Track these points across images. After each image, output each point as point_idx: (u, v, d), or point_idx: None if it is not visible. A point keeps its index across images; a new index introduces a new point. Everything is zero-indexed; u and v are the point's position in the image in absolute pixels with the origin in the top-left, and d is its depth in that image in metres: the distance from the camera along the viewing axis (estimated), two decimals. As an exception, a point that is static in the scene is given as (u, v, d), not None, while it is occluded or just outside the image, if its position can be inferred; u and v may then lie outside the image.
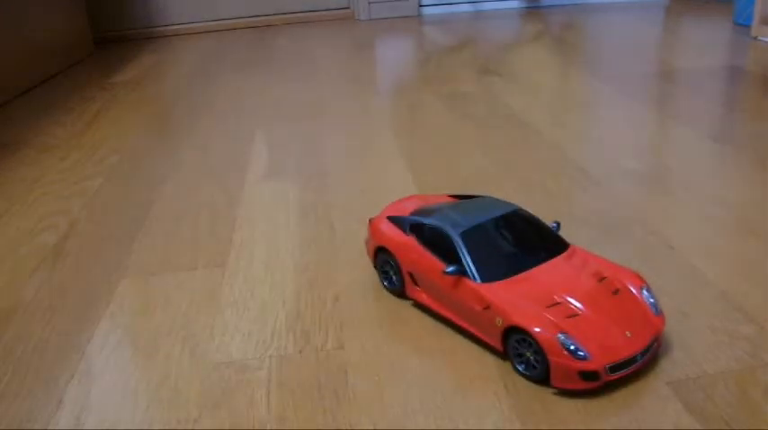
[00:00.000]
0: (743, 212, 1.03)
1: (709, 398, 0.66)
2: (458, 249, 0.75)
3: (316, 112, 1.73)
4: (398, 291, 0.85)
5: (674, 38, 2.35)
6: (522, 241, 0.77)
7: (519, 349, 0.69)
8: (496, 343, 0.72)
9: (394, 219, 0.86)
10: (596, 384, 0.67)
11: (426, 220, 0.80)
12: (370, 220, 0.90)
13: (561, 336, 0.66)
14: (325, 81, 2.07)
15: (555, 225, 0.82)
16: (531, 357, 0.69)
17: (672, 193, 1.11)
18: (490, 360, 0.74)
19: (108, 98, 2.08)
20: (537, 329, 0.67)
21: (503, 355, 0.73)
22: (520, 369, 0.70)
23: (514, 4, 3.32)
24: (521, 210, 0.81)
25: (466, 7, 3.33)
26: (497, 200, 0.84)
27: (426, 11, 3.31)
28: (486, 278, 0.73)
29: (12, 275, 1.01)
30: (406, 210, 0.88)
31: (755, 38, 2.22)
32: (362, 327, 0.81)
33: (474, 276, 0.73)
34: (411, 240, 0.82)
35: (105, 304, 0.91)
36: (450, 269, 0.74)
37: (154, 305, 0.90)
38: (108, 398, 0.73)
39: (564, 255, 0.77)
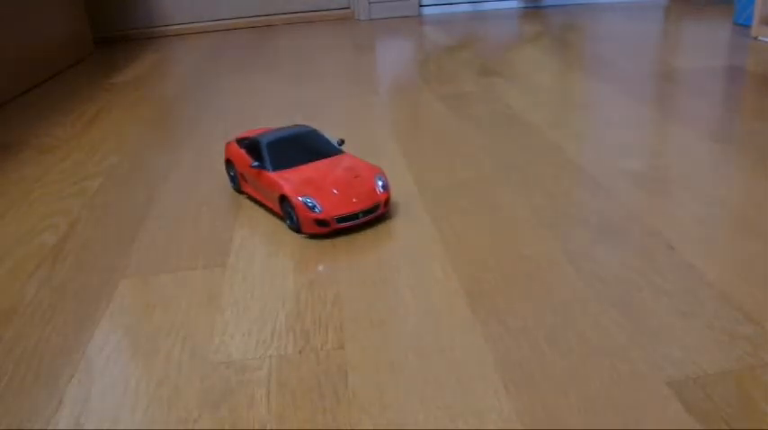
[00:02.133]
0: (743, 212, 1.03)
1: (709, 398, 0.66)
2: (262, 152, 1.13)
3: (316, 112, 1.73)
4: (237, 188, 1.24)
5: (674, 38, 2.35)
6: (306, 149, 1.14)
7: (287, 210, 1.06)
8: (277, 209, 1.09)
9: (238, 141, 1.24)
10: (328, 229, 1.03)
11: (253, 138, 1.16)
12: (226, 143, 1.32)
13: (303, 198, 1.03)
14: (326, 81, 2.07)
15: (339, 141, 1.19)
16: (293, 215, 1.04)
17: (672, 193, 1.11)
18: (490, 359, 0.74)
19: (108, 98, 2.08)
20: (290, 194, 1.04)
21: (280, 217, 1.12)
22: (287, 223, 1.07)
23: (514, 4, 3.32)
24: (316, 131, 1.18)
25: (466, 7, 3.33)
26: (305, 125, 1.20)
27: (426, 11, 3.32)
28: (275, 168, 1.10)
29: (12, 275, 1.01)
30: (251, 135, 1.27)
31: (755, 38, 2.22)
32: (362, 327, 0.81)
33: (268, 167, 1.10)
34: (242, 152, 1.18)
35: (105, 304, 0.91)
36: (255, 164, 1.12)
37: (154, 305, 0.90)
38: (108, 398, 0.73)
39: (333, 157, 1.14)
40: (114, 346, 0.82)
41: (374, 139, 1.48)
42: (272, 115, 1.74)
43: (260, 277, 0.95)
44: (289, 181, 1.07)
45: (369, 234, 1.05)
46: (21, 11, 2.28)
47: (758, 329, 0.76)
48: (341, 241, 1.03)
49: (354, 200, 1.04)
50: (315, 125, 1.63)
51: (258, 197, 1.16)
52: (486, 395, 0.69)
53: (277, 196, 1.07)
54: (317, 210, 1.02)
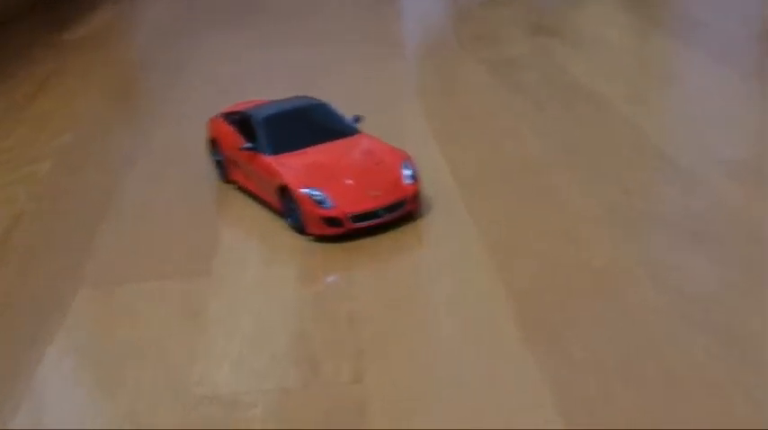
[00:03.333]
0: None
1: None
2: (257, 130, 1.13)
3: (322, 80, 1.73)
4: (224, 177, 1.23)
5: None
6: (312, 127, 1.15)
7: (288, 205, 1.06)
8: (276, 203, 1.09)
9: (226, 116, 1.25)
10: (341, 230, 1.02)
11: (246, 113, 1.18)
12: (210, 119, 1.30)
13: (309, 190, 1.02)
14: (334, 40, 2.07)
15: (354, 117, 1.19)
16: (295, 211, 1.04)
17: (782, 189, 1.11)
18: (548, 398, 0.74)
19: (59, 60, 2.10)
20: (292, 184, 1.04)
21: (280, 213, 1.10)
22: (288, 222, 1.07)
23: (577, -55, 3.31)
24: (325, 104, 1.21)
25: (514, -52, 3.33)
26: (310, 97, 1.23)
27: (463, -48, 3.31)
28: (273, 152, 1.10)
29: (-61, 283, 1.02)
30: (242, 108, 1.26)
31: None
32: (385, 355, 0.82)
33: (265, 150, 1.10)
34: (231, 130, 1.19)
35: (58, 320, 0.92)
36: (247, 146, 1.12)
37: (119, 322, 0.91)
38: (62, 438, 0.74)
39: (348, 138, 1.14)
40: (69, 373, 0.83)
41: (399, 116, 1.49)
42: (266, 84, 1.74)
43: (253, 289, 0.96)
44: (291, 168, 1.07)
45: (392, 237, 1.05)
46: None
47: None
48: (356, 246, 1.04)
49: (374, 193, 1.04)
50: (321, 97, 1.63)
51: (251, 188, 1.16)
52: (543, 443, 0.69)
53: (276, 187, 1.08)
54: (326, 205, 1.02)
